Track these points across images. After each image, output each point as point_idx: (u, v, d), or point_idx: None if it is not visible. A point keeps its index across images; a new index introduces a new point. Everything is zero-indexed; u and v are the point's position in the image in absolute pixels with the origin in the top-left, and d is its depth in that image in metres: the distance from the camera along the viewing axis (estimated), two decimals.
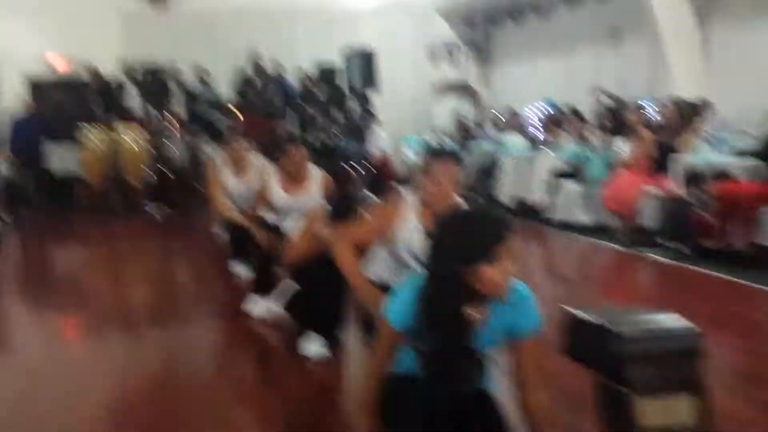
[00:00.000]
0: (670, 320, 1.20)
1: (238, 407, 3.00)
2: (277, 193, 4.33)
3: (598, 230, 6.76)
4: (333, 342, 3.55)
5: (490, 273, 1.82)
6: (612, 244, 6.24)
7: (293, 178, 4.31)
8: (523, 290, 1.98)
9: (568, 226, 7.08)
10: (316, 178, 4.36)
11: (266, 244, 4.17)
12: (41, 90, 10.68)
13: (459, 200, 2.72)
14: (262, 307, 4.24)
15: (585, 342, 1.25)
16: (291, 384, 3.19)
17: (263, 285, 4.29)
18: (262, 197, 4.42)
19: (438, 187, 2.59)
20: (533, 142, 8.53)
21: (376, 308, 2.46)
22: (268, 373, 3.39)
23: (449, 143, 10.93)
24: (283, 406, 2.92)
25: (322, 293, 3.54)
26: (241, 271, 5.32)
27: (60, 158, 9.53)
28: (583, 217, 7.03)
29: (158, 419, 2.85)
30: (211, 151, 7.35)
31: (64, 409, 3.00)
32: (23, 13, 10.65)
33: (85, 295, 5.19)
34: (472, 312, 1.91)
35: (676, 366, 1.12)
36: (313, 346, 3.48)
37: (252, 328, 4.12)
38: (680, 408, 1.10)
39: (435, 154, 2.69)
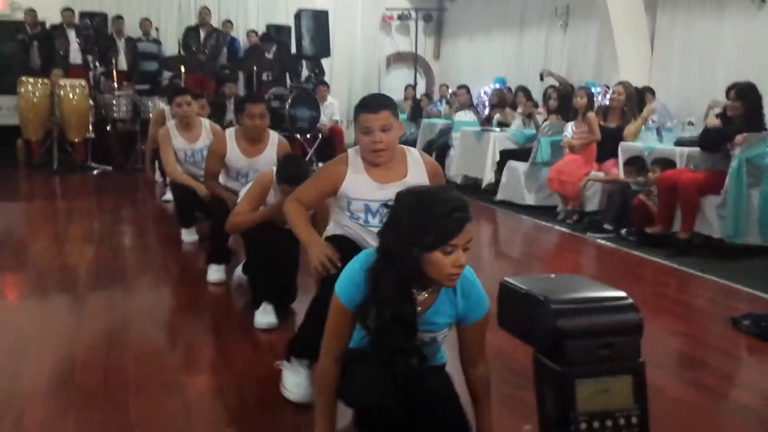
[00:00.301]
0: (612, 292, 1.15)
1: (189, 375, 2.98)
2: (235, 154, 4.15)
3: (542, 211, 6.91)
4: (284, 311, 3.55)
5: (442, 262, 1.80)
6: (556, 226, 6.40)
7: (251, 140, 4.13)
8: (471, 277, 2.02)
9: (513, 206, 7.20)
10: (273, 141, 4.21)
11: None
12: None
13: (403, 148, 2.69)
14: (217, 273, 4.20)
15: (517, 313, 1.15)
16: (242, 354, 3.19)
17: (219, 252, 4.24)
18: (215, 159, 4.19)
19: (370, 136, 2.53)
20: (483, 119, 8.61)
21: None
22: (219, 342, 3.37)
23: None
24: (234, 377, 2.92)
25: (272, 262, 3.52)
26: (188, 237, 5.26)
27: None
28: (527, 197, 7.17)
29: (107, 384, 2.81)
30: (163, 108, 7.11)
31: (6, 371, 2.93)
32: None
33: (25, 255, 5.02)
34: (420, 294, 1.95)
35: (617, 347, 1.07)
36: (264, 317, 3.47)
37: (204, 294, 4.09)
38: (619, 389, 1.07)
39: (361, 104, 2.60)
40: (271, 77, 10.63)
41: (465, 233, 1.80)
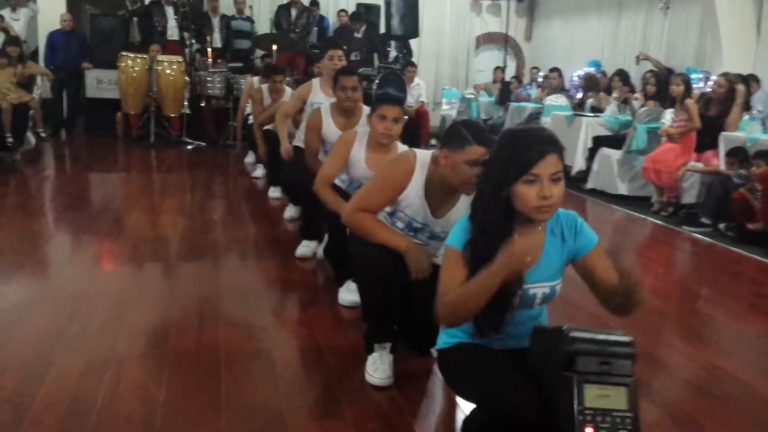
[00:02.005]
0: (618, 335, 1.60)
1: (276, 345, 3.04)
2: (330, 128, 4.06)
3: (635, 201, 6.68)
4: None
5: (527, 194, 1.79)
6: (649, 218, 6.17)
7: (345, 113, 4.04)
8: (573, 216, 1.99)
9: (604, 195, 6.99)
10: (367, 114, 3.94)
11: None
12: (79, 6, 10.63)
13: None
14: (304, 249, 4.25)
15: (545, 344, 1.62)
16: (326, 328, 3.24)
17: (309, 229, 4.29)
18: (313, 133, 4.10)
19: (474, 170, 2.32)
20: (575, 104, 8.37)
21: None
22: (305, 315, 3.42)
23: (486, 99, 10.77)
24: (319, 349, 2.97)
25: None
26: (288, 213, 5.32)
27: (98, 83, 9.50)
28: (620, 187, 6.94)
29: (199, 349, 2.92)
30: (259, 86, 7.18)
31: (106, 330, 3.08)
32: None
33: (122, 224, 5.24)
34: (522, 236, 1.84)
35: (615, 365, 1.51)
36: (348, 294, 3.50)
37: (292, 269, 4.16)
38: (617, 396, 1.47)
39: (473, 135, 2.36)
40: (360, 57, 10.65)
41: (548, 163, 1.78)
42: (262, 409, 2.44)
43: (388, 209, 2.67)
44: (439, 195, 2.55)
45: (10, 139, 7.17)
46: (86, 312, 3.27)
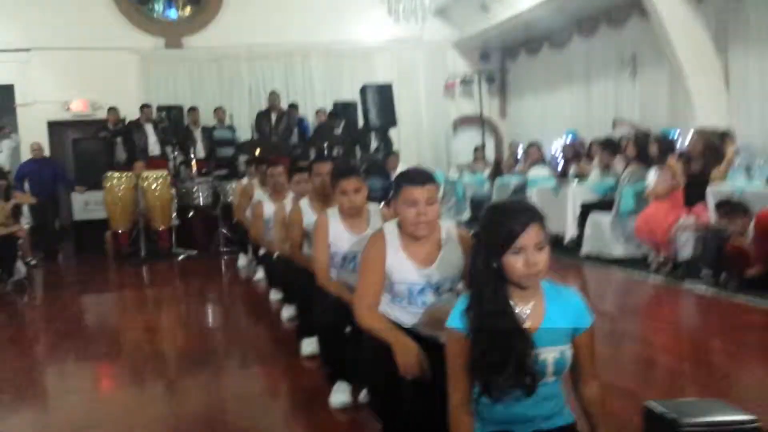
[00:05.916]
0: (738, 414, 1.39)
1: None
2: (340, 233, 3.55)
3: (632, 263, 6.66)
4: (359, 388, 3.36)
5: (514, 265, 1.87)
6: (647, 277, 6.14)
7: (352, 216, 3.56)
8: (573, 294, 2.04)
9: (599, 259, 6.98)
10: (375, 211, 3.71)
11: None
12: (61, 133, 10.82)
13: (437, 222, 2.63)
14: (309, 346, 4.13)
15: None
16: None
17: (310, 325, 4.19)
18: (323, 242, 3.58)
19: (416, 208, 2.51)
20: (558, 174, 8.48)
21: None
22: (316, 419, 3.29)
23: (477, 178, 10.86)
24: None
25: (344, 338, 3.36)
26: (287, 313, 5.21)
27: (84, 204, 9.55)
28: (615, 249, 6.94)
29: None
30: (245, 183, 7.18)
31: None
32: (49, 66, 10.93)
33: (120, 343, 5.14)
34: (524, 308, 1.95)
35: None
36: (339, 395, 3.36)
37: (296, 369, 4.04)
38: None
39: (405, 177, 2.58)
40: (341, 151, 10.83)
41: (530, 234, 1.87)
42: None
43: (388, 286, 2.65)
44: (419, 247, 2.59)
45: None
46: None
